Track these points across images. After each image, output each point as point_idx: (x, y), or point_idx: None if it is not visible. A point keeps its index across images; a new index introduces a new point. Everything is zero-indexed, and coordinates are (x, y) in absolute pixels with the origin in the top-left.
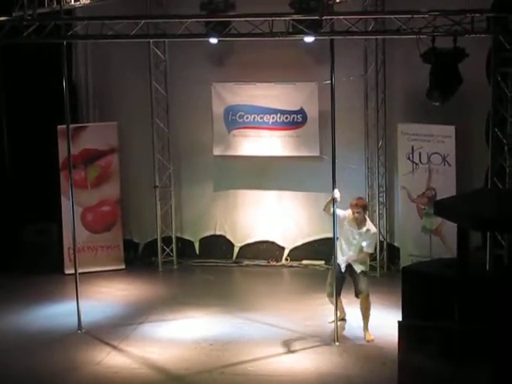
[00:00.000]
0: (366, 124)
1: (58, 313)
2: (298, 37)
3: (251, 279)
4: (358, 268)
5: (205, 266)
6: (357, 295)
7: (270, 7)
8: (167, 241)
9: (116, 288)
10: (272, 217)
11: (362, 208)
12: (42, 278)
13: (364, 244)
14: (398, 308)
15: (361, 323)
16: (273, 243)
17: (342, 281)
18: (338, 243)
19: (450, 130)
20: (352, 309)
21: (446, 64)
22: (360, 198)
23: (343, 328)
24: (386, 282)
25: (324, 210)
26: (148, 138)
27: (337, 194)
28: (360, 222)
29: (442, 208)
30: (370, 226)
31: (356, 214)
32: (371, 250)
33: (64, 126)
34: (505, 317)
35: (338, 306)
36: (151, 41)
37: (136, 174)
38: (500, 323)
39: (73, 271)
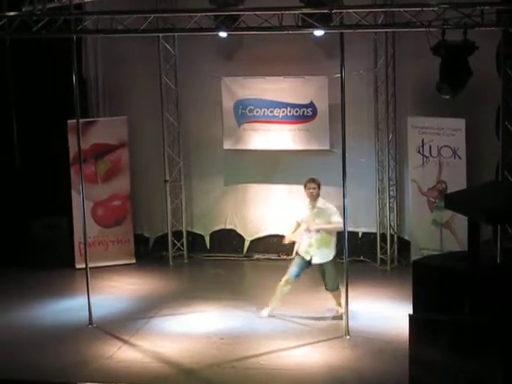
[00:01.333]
0: (376, 117)
1: (68, 307)
2: (307, 30)
3: (262, 273)
4: (322, 259)
5: (215, 260)
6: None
7: (280, 1)
8: (178, 235)
9: (127, 282)
10: (282, 211)
11: (317, 185)
12: (52, 273)
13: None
14: (408, 301)
15: (371, 316)
16: (283, 237)
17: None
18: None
19: (460, 122)
20: (362, 302)
21: (455, 57)
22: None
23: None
24: (396, 275)
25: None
26: (158, 132)
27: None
28: (314, 201)
29: (452, 201)
30: (320, 203)
31: (312, 190)
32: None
33: (74, 121)
34: None
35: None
36: (161, 35)
37: (146, 169)
38: (510, 316)
39: (83, 266)
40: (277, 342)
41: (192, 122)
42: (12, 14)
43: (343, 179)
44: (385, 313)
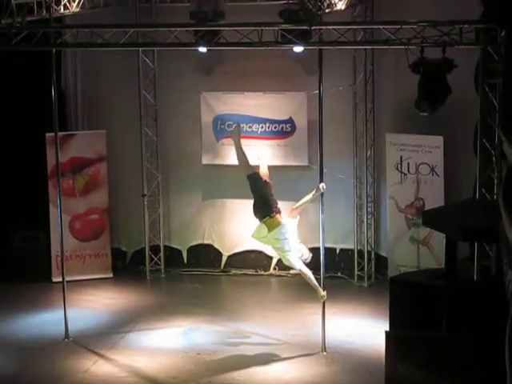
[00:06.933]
0: (355, 134)
1: (45, 321)
2: (287, 46)
3: (239, 288)
4: None
5: (193, 275)
6: None
7: (260, 17)
8: (155, 249)
9: (104, 296)
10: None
11: None
12: (29, 286)
13: None
14: (385, 318)
15: (348, 332)
16: (261, 252)
17: None
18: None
19: (439, 140)
20: (339, 318)
21: (434, 74)
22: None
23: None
24: (373, 292)
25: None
26: (136, 146)
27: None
28: None
29: (429, 218)
30: None
31: None
32: None
33: (52, 134)
34: (492, 327)
35: None
36: (140, 49)
37: (124, 183)
38: (487, 333)
39: (60, 279)
40: (253, 357)
41: (171, 136)
42: None
43: (321, 195)
44: (361, 329)
